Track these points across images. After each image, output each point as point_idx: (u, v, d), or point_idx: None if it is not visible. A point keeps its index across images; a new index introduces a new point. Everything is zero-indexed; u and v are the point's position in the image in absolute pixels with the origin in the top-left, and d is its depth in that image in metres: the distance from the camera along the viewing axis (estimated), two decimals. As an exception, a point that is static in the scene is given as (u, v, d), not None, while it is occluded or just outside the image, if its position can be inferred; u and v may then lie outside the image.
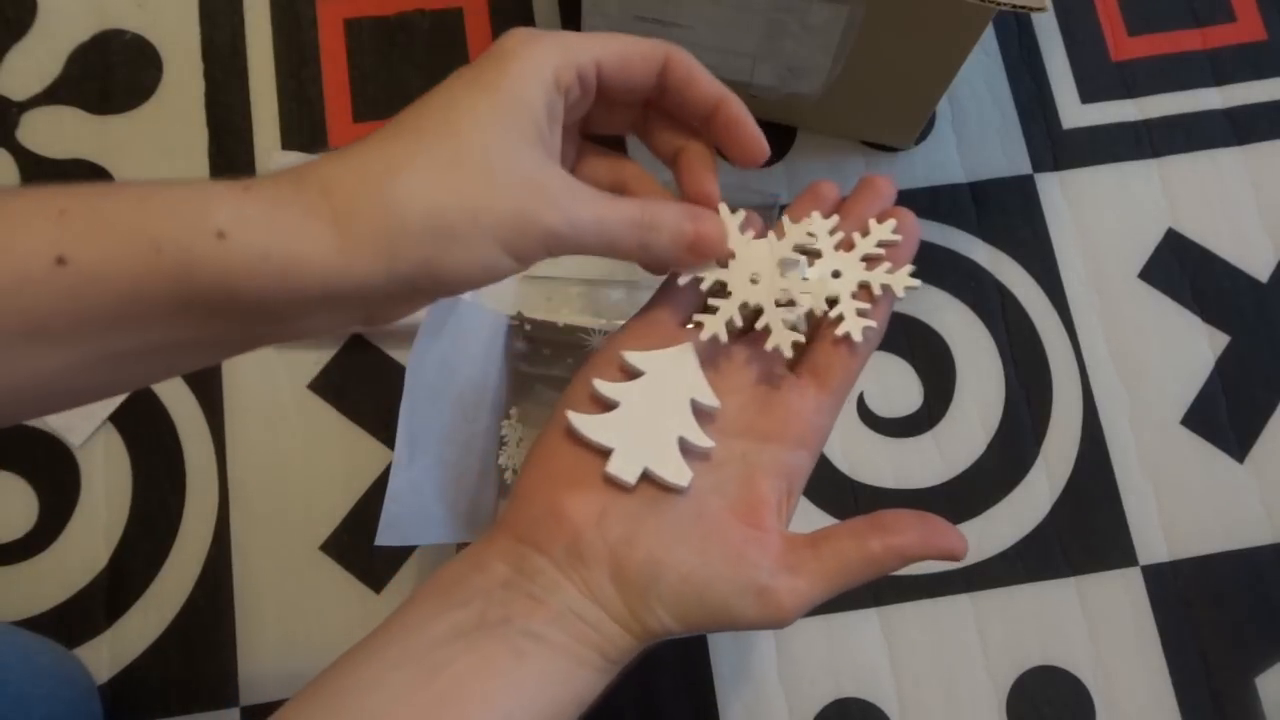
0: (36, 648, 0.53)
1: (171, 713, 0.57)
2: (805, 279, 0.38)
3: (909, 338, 0.64)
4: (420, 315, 0.40)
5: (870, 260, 0.38)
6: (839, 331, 0.37)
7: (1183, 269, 0.66)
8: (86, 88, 0.67)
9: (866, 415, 0.63)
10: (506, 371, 0.60)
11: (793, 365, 0.38)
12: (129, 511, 0.60)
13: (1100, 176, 0.68)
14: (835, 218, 0.39)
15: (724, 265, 0.37)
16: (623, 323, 0.39)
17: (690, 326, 0.37)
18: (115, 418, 0.61)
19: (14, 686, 0.49)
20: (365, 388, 0.62)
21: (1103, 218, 0.67)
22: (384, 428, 0.62)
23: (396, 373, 0.63)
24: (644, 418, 0.35)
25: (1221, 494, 0.63)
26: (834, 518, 0.61)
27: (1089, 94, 0.69)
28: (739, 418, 0.37)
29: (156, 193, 0.30)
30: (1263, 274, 0.66)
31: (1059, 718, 0.59)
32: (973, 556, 0.61)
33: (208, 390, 0.62)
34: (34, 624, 0.58)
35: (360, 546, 0.60)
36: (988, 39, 0.70)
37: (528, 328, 0.59)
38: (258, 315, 0.30)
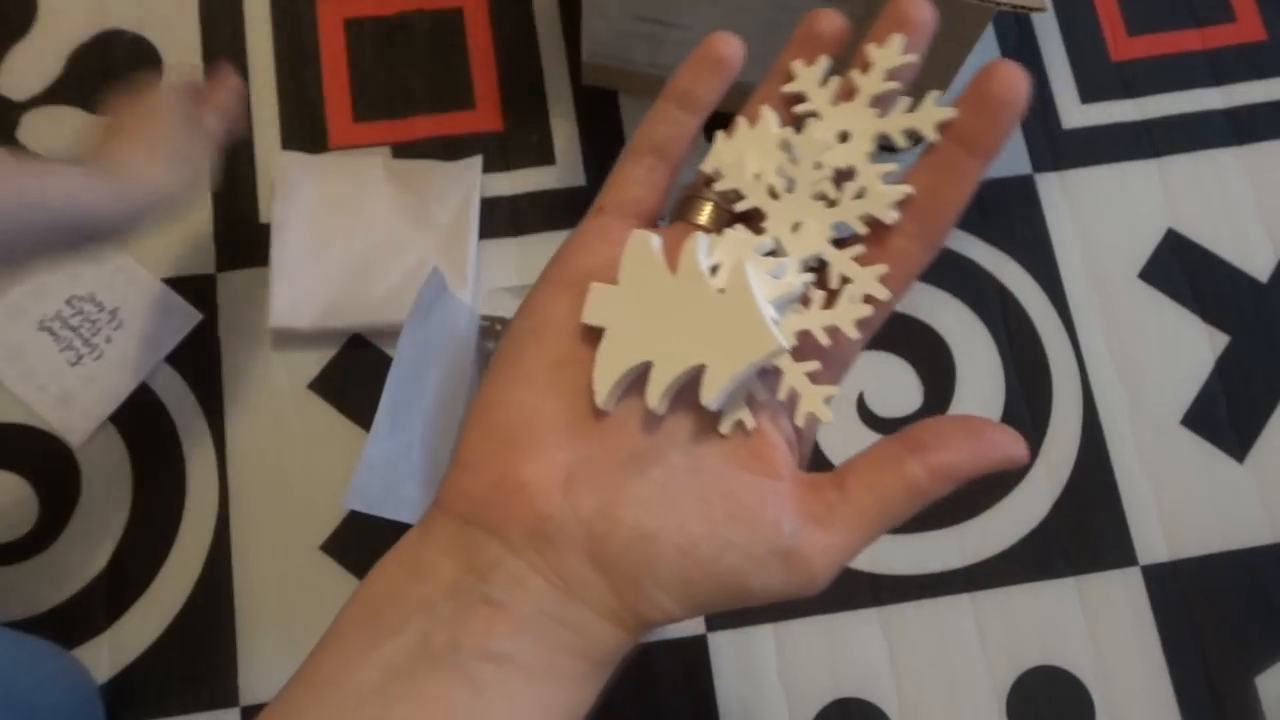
0: (40, 654, 0.53)
1: (171, 713, 0.57)
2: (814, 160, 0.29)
3: (909, 337, 0.64)
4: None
5: (883, 103, 0.29)
6: (825, 341, 0.29)
7: (1183, 269, 0.66)
8: (86, 88, 0.67)
9: (866, 415, 0.63)
10: (480, 369, 0.60)
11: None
12: (129, 511, 0.60)
13: (1100, 176, 0.68)
14: (823, 61, 0.30)
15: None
16: None
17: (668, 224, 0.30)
18: (115, 418, 0.61)
19: (20, 695, 0.49)
20: (365, 388, 0.62)
21: (1103, 218, 0.67)
22: (384, 428, 0.62)
23: (396, 373, 0.63)
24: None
25: (1221, 494, 0.63)
26: (834, 518, 0.61)
27: (1089, 94, 0.69)
28: None
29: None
30: (1263, 274, 0.66)
31: (1059, 718, 0.59)
32: (973, 556, 0.61)
33: (207, 390, 0.62)
34: (34, 624, 0.58)
35: (360, 546, 0.60)
36: (988, 39, 0.70)
37: (499, 328, 0.59)
38: None
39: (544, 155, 0.67)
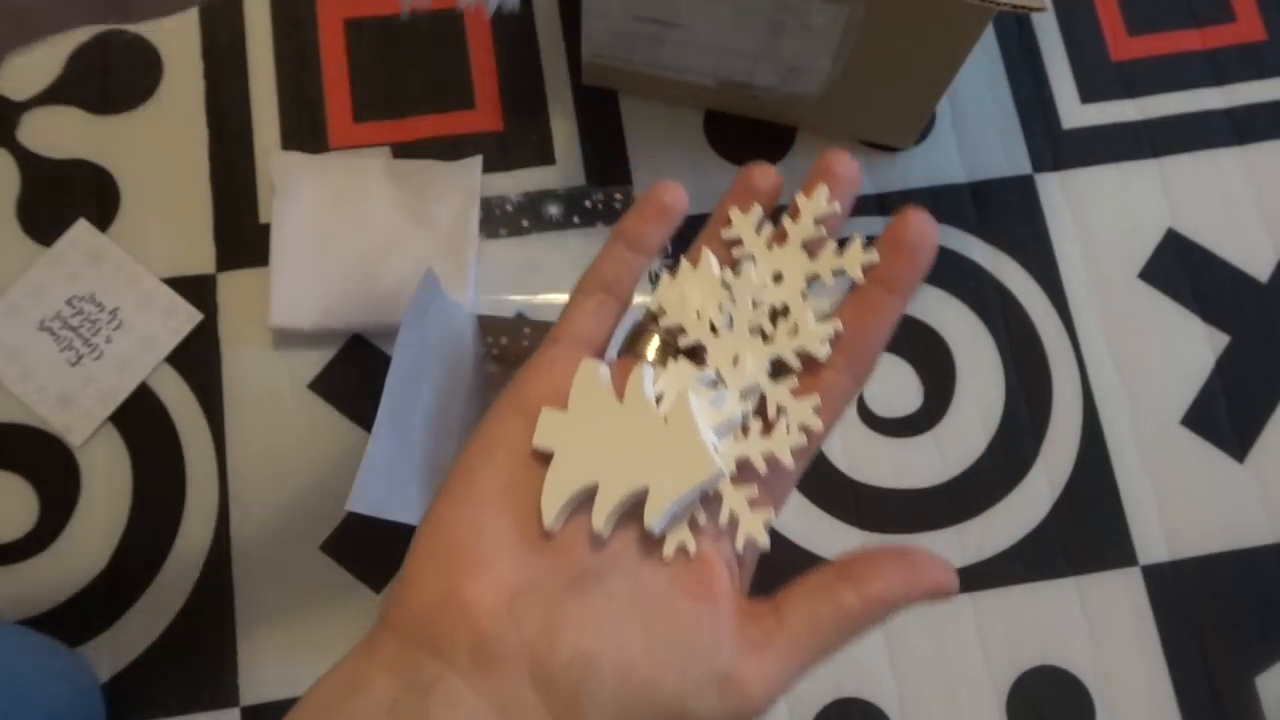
0: (43, 648, 0.53)
1: (171, 713, 0.57)
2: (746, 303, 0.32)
3: (909, 338, 0.64)
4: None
5: (812, 247, 0.32)
6: (762, 468, 0.30)
7: (1183, 269, 0.66)
8: (86, 88, 0.67)
9: (866, 415, 0.63)
10: (478, 370, 0.60)
11: None
12: (129, 511, 0.60)
13: (1100, 176, 0.68)
14: (757, 209, 0.33)
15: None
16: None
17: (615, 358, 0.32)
18: (115, 418, 0.61)
19: (23, 687, 0.49)
20: (365, 388, 0.62)
21: (1103, 218, 0.67)
22: (384, 428, 0.62)
23: (396, 373, 0.63)
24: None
25: (1221, 494, 0.63)
26: (834, 518, 0.61)
27: (1089, 94, 0.69)
28: None
29: None
30: (1263, 274, 0.66)
31: (1059, 718, 0.59)
32: (973, 556, 0.61)
33: (208, 390, 0.62)
34: (34, 624, 0.58)
35: (360, 546, 0.60)
36: (988, 39, 0.70)
37: (501, 338, 0.60)
38: None
39: (544, 155, 0.67)
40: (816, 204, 0.32)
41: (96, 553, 0.60)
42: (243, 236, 0.65)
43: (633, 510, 0.29)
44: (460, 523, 0.29)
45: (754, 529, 0.30)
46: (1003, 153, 0.68)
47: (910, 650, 0.60)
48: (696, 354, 0.32)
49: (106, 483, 0.61)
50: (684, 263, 0.33)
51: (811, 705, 0.59)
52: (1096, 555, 0.61)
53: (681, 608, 0.28)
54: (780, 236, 0.32)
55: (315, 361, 0.63)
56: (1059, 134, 0.69)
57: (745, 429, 0.31)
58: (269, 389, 0.62)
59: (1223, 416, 0.64)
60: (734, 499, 0.30)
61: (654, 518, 0.29)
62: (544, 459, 0.30)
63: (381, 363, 0.63)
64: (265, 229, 0.64)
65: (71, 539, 0.60)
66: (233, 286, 0.64)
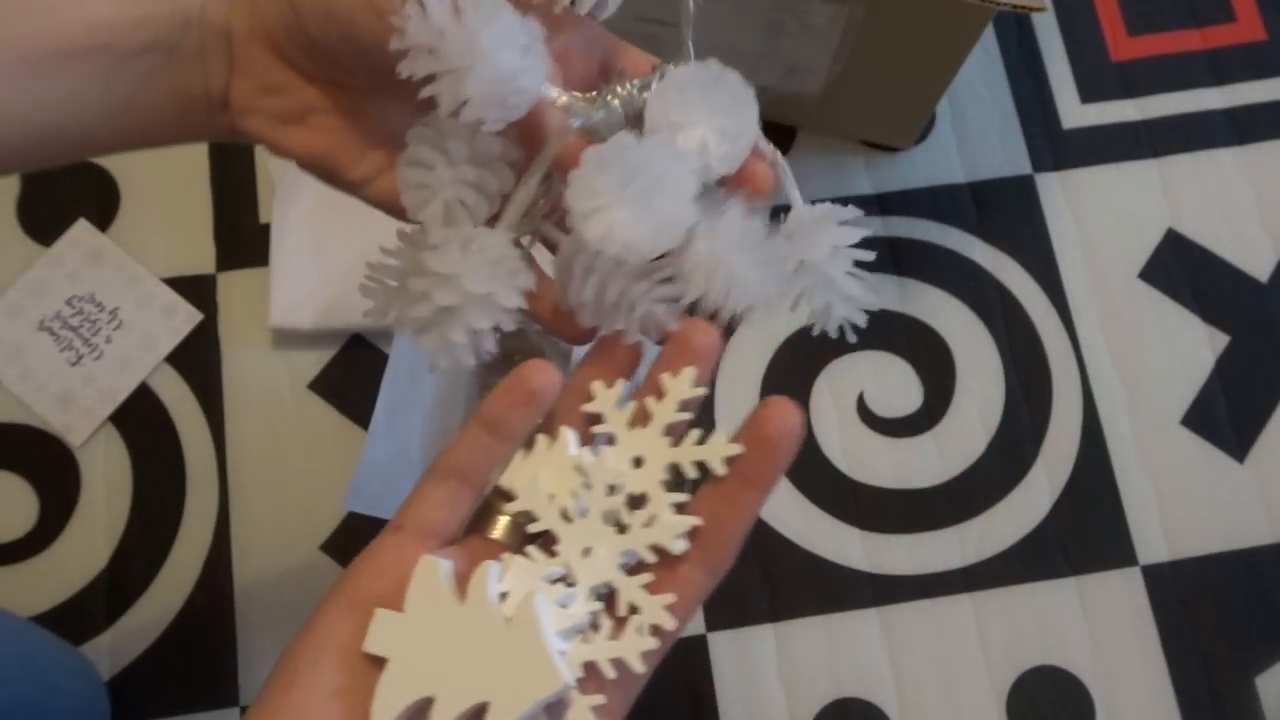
0: (55, 643, 0.54)
1: (172, 712, 0.57)
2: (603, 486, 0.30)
3: (909, 338, 0.64)
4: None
5: (674, 431, 0.31)
6: (610, 674, 0.29)
7: (1183, 269, 0.66)
8: (86, 88, 0.67)
9: (866, 415, 0.63)
10: (479, 367, 0.60)
11: None
12: (129, 511, 0.60)
13: (1100, 176, 0.68)
14: (620, 385, 0.31)
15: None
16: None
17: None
18: (115, 418, 0.61)
19: (49, 682, 0.50)
20: (365, 388, 0.62)
21: (1103, 218, 0.67)
22: (384, 428, 0.62)
23: (396, 373, 0.63)
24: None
25: (1221, 494, 0.63)
26: (834, 518, 0.61)
27: (1089, 94, 0.69)
28: None
29: None
30: (1263, 274, 0.66)
31: (1059, 718, 0.59)
32: (973, 556, 0.61)
33: (208, 390, 0.62)
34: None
35: (360, 546, 0.60)
36: (988, 39, 0.70)
37: (497, 331, 0.59)
38: None
39: (544, 155, 0.67)
40: (682, 386, 0.30)
41: (96, 553, 0.60)
42: (243, 236, 0.65)
43: None
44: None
45: (628, 652, 0.29)
46: (1003, 153, 0.68)
47: (910, 650, 0.60)
48: (546, 541, 0.30)
49: (106, 483, 0.61)
50: (540, 440, 0.31)
51: (811, 705, 0.59)
52: (1096, 555, 0.61)
53: None
54: (642, 417, 0.31)
55: (315, 361, 0.63)
56: (1059, 134, 0.69)
57: (596, 626, 0.29)
58: (269, 389, 0.62)
59: (1223, 416, 0.64)
60: (580, 709, 0.28)
61: None
62: (378, 662, 0.28)
63: (381, 363, 0.63)
64: (265, 229, 0.64)
65: (71, 539, 0.60)
66: (233, 286, 0.64)
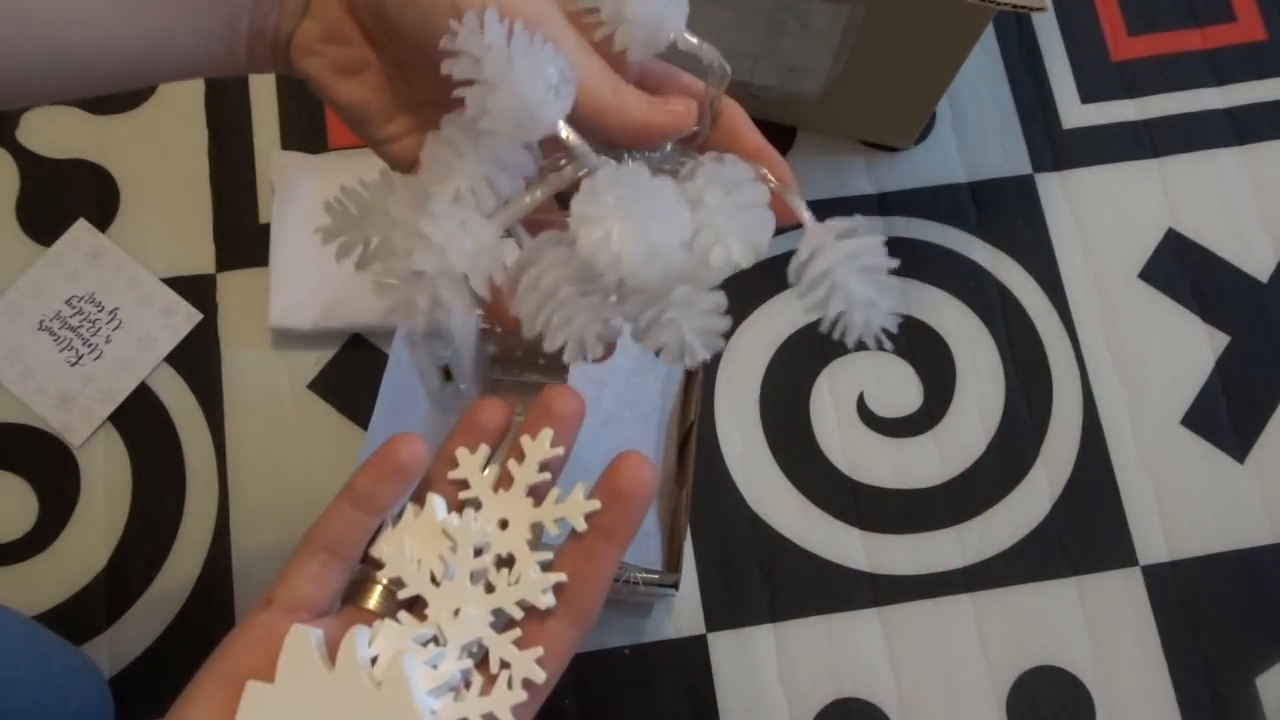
0: (61, 645, 0.54)
1: (171, 713, 0.57)
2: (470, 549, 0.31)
3: (909, 338, 0.64)
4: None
5: (537, 492, 0.32)
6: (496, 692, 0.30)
7: (1183, 269, 0.66)
8: (86, 88, 0.67)
9: (866, 415, 0.63)
10: (479, 374, 0.60)
11: None
12: (129, 511, 0.60)
13: (1100, 176, 0.68)
14: (483, 450, 0.33)
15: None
16: None
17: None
18: (115, 418, 0.61)
19: (59, 684, 0.50)
20: (365, 388, 0.62)
21: (1103, 218, 0.67)
22: (384, 428, 0.62)
23: (396, 373, 0.62)
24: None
25: (1221, 494, 0.63)
26: (834, 518, 0.61)
27: (1089, 94, 0.69)
28: None
29: None
30: (1263, 274, 0.66)
31: (1059, 718, 0.59)
32: (973, 556, 0.61)
33: (207, 390, 0.62)
34: (34, 624, 0.58)
35: (360, 546, 0.60)
36: (988, 39, 0.70)
37: (499, 329, 0.59)
38: None
39: (544, 155, 0.67)
40: (540, 448, 0.32)
41: (96, 553, 0.60)
42: (243, 236, 0.65)
43: None
44: None
45: (496, 707, 0.30)
46: (1003, 153, 0.68)
47: (910, 650, 0.60)
48: (418, 606, 0.31)
49: (106, 483, 0.61)
50: (409, 509, 0.32)
51: (811, 705, 0.59)
52: (1096, 555, 0.61)
53: None
54: (505, 480, 0.32)
55: (315, 361, 0.63)
56: (1059, 134, 0.69)
57: (469, 683, 0.30)
58: (268, 389, 0.62)
59: (1223, 416, 0.64)
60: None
61: None
62: None
63: (381, 363, 0.62)
64: (265, 229, 0.64)
65: (71, 539, 0.60)
66: (232, 286, 0.64)
